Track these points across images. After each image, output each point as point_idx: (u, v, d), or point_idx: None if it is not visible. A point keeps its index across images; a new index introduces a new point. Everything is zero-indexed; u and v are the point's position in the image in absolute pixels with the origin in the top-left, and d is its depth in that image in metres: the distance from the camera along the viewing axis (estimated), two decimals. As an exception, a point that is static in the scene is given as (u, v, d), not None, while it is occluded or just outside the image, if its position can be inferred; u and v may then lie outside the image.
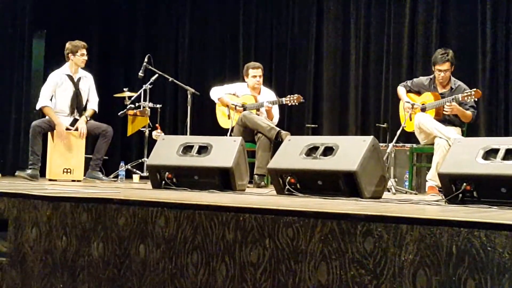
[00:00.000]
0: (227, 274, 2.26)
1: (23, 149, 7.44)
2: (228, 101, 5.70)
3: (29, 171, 5.48)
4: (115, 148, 7.61)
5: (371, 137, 3.53)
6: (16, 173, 5.59)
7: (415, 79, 5.35)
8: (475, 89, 4.77)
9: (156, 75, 6.43)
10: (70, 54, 5.77)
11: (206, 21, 8.13)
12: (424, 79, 5.23)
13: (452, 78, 5.10)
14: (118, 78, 8.27)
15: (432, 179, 4.65)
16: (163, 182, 3.95)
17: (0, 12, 7.98)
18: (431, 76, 5.14)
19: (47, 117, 5.71)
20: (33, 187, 3.68)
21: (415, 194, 4.80)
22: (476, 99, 4.80)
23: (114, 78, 8.24)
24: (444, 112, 4.90)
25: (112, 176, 6.08)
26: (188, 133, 6.11)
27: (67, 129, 5.65)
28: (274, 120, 5.73)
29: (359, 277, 1.98)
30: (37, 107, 5.79)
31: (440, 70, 5.00)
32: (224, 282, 2.26)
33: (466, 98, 4.75)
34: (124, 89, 6.64)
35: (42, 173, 5.72)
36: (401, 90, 5.26)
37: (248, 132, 5.34)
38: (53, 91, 5.74)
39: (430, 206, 2.95)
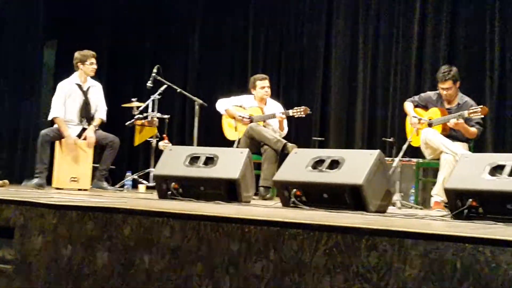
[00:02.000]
0: (231, 286, 2.26)
1: (31, 158, 7.47)
2: (235, 113, 5.72)
3: (35, 180, 5.49)
4: (122, 158, 7.63)
5: (378, 151, 3.53)
6: (23, 183, 5.61)
7: (422, 94, 5.35)
8: (481, 106, 4.75)
9: (165, 85, 6.46)
10: (79, 64, 5.81)
11: (215, 33, 8.18)
12: (432, 94, 5.23)
13: (460, 94, 5.09)
14: (127, 88, 8.31)
15: (438, 194, 4.64)
16: (169, 192, 3.96)
17: (12, 21, 8.06)
18: (439, 91, 5.14)
19: (55, 125, 5.74)
20: (39, 195, 3.70)
21: (421, 209, 4.78)
22: (482, 116, 4.79)
23: (123, 88, 8.28)
24: (448, 125, 4.89)
25: (118, 185, 6.09)
26: (195, 144, 6.12)
27: (75, 141, 5.67)
28: (284, 132, 5.75)
29: (363, 291, 1.98)
30: (50, 118, 5.81)
31: (442, 88, 5.00)
32: (228, 294, 2.26)
33: (472, 115, 4.74)
34: (133, 99, 6.67)
35: (49, 182, 5.74)
36: (408, 105, 5.26)
37: (255, 144, 5.36)
38: (64, 100, 5.77)
39: (436, 221, 2.94)
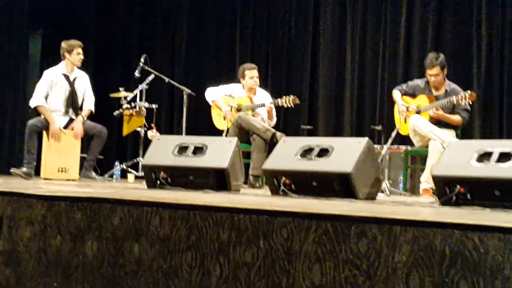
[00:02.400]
0: (221, 274, 2.27)
1: (18, 147, 7.42)
2: (222, 105, 5.70)
3: (24, 169, 5.48)
4: (111, 148, 7.61)
5: (366, 139, 3.54)
6: (11, 170, 5.59)
7: (410, 82, 5.37)
8: (470, 92, 4.77)
9: (153, 75, 6.43)
10: (66, 53, 5.77)
11: (203, 21, 8.14)
12: (419, 82, 5.25)
13: (447, 81, 5.12)
14: (115, 78, 8.27)
15: (426, 181, 4.67)
16: (158, 182, 3.95)
17: (-3, 11, 7.98)
18: (426, 79, 5.16)
19: (43, 116, 5.70)
20: (28, 186, 3.68)
21: (409, 196, 4.81)
22: (470, 102, 4.81)
23: (110, 78, 8.24)
24: (429, 114, 4.91)
25: (107, 175, 6.07)
26: (183, 133, 6.11)
27: (61, 130, 5.64)
28: (273, 121, 5.75)
29: (352, 278, 1.99)
30: (31, 105, 5.78)
31: (430, 75, 5.02)
32: (218, 282, 2.27)
33: (460, 101, 4.76)
34: (120, 89, 6.63)
35: (37, 172, 5.71)
36: (396, 94, 5.28)
37: (244, 133, 5.35)
38: (48, 89, 5.73)
39: (424, 208, 2.96)
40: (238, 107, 5.64)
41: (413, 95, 5.23)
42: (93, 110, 5.92)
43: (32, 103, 5.73)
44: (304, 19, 7.42)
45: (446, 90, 5.07)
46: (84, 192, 3.13)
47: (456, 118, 4.97)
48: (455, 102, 4.80)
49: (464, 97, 4.72)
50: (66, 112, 5.78)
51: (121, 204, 2.58)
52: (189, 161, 3.93)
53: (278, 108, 5.90)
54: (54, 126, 5.59)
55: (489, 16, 6.33)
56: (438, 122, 4.94)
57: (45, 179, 5.50)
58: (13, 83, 8.08)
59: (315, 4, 7.35)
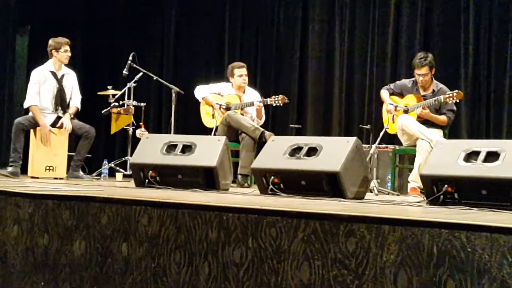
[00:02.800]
0: (210, 273, 2.26)
1: (5, 145, 7.37)
2: (213, 101, 5.69)
3: (10, 169, 5.44)
4: (99, 146, 7.57)
5: (355, 138, 3.55)
6: (-5, 170, 5.55)
7: (398, 82, 5.39)
8: (457, 91, 4.80)
9: (141, 73, 6.41)
10: (53, 51, 5.73)
11: (191, 20, 8.12)
12: (407, 82, 5.28)
13: (434, 81, 5.15)
14: (102, 76, 8.23)
15: (414, 180, 4.70)
16: (147, 180, 3.94)
17: (-17, 8, 7.91)
18: (414, 79, 5.19)
19: (30, 114, 5.66)
20: (15, 185, 3.65)
21: (397, 195, 4.83)
22: (458, 101, 4.84)
23: (98, 76, 8.20)
24: (415, 113, 4.95)
25: (95, 174, 6.04)
26: (172, 132, 6.09)
27: (51, 130, 5.60)
28: (262, 120, 5.75)
29: (341, 277, 2.00)
30: (25, 106, 5.73)
31: (419, 74, 5.05)
32: (206, 281, 2.27)
33: (448, 100, 4.79)
34: (108, 87, 6.61)
35: (24, 171, 5.67)
36: (384, 93, 5.30)
37: (232, 132, 5.35)
38: (39, 88, 5.69)
39: (412, 207, 2.98)
40: (227, 105, 5.64)
41: (401, 95, 5.25)
42: (79, 108, 5.89)
43: (26, 103, 5.69)
44: (293, 19, 7.43)
45: (433, 90, 5.10)
46: (72, 190, 3.12)
47: (441, 118, 5.01)
48: (442, 101, 4.83)
49: (452, 96, 4.75)
50: (55, 110, 5.75)
51: (109, 203, 2.57)
52: (178, 159, 3.92)
53: (267, 107, 5.90)
54: (45, 129, 5.54)
55: (476, 15, 6.37)
56: (426, 122, 4.97)
57: (32, 177, 5.46)
58: (0, 80, 8.01)
59: (304, 4, 7.36)
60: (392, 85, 5.33)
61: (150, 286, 2.40)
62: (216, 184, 3.84)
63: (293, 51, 7.36)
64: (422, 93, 5.13)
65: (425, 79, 5.04)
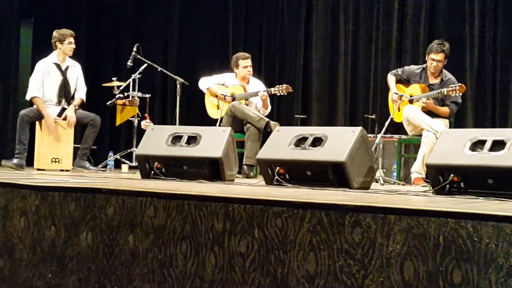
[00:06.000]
0: (216, 264, 2.27)
1: (10, 138, 7.38)
2: (217, 91, 5.69)
3: (15, 161, 5.45)
4: (104, 138, 7.58)
5: (360, 128, 3.54)
6: (1, 163, 5.55)
7: (406, 67, 5.36)
8: (460, 84, 4.81)
9: (145, 64, 6.41)
10: (57, 43, 5.73)
11: (195, 10, 8.10)
12: (415, 68, 5.25)
13: (444, 71, 5.13)
14: (107, 67, 8.22)
15: (418, 171, 4.68)
16: (152, 172, 3.94)
17: (-13, 0, 7.91)
18: (423, 66, 5.17)
19: (35, 106, 5.67)
20: (21, 177, 3.66)
21: (403, 184, 4.83)
22: (460, 94, 4.85)
23: (103, 68, 8.19)
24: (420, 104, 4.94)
25: (100, 165, 6.06)
26: (177, 123, 6.10)
27: (55, 120, 5.61)
28: (268, 110, 5.75)
29: (347, 267, 2.00)
30: (27, 98, 5.74)
31: (433, 60, 5.02)
32: (213, 272, 2.27)
33: (450, 92, 4.80)
34: (113, 78, 6.60)
35: (30, 163, 5.69)
36: (390, 78, 5.27)
37: (237, 122, 5.35)
38: (42, 80, 5.70)
39: (418, 196, 2.97)
40: (232, 96, 5.63)
41: (408, 82, 5.22)
42: (84, 99, 5.89)
43: (28, 95, 5.69)
44: (297, 8, 7.39)
45: (442, 80, 5.08)
46: (78, 182, 3.13)
47: (443, 109, 5.00)
48: (445, 93, 4.83)
49: (454, 89, 4.77)
50: (59, 102, 5.75)
51: (115, 195, 2.58)
52: (183, 151, 3.92)
53: (271, 97, 5.90)
54: (50, 119, 5.55)
55: (482, 4, 6.33)
56: (430, 112, 4.96)
57: (38, 169, 5.48)
58: (4, 72, 8.01)
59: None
60: (399, 71, 5.30)
61: (157, 277, 2.41)
62: (221, 175, 3.84)
63: (298, 41, 7.33)
64: (431, 81, 5.11)
65: (438, 66, 5.04)
